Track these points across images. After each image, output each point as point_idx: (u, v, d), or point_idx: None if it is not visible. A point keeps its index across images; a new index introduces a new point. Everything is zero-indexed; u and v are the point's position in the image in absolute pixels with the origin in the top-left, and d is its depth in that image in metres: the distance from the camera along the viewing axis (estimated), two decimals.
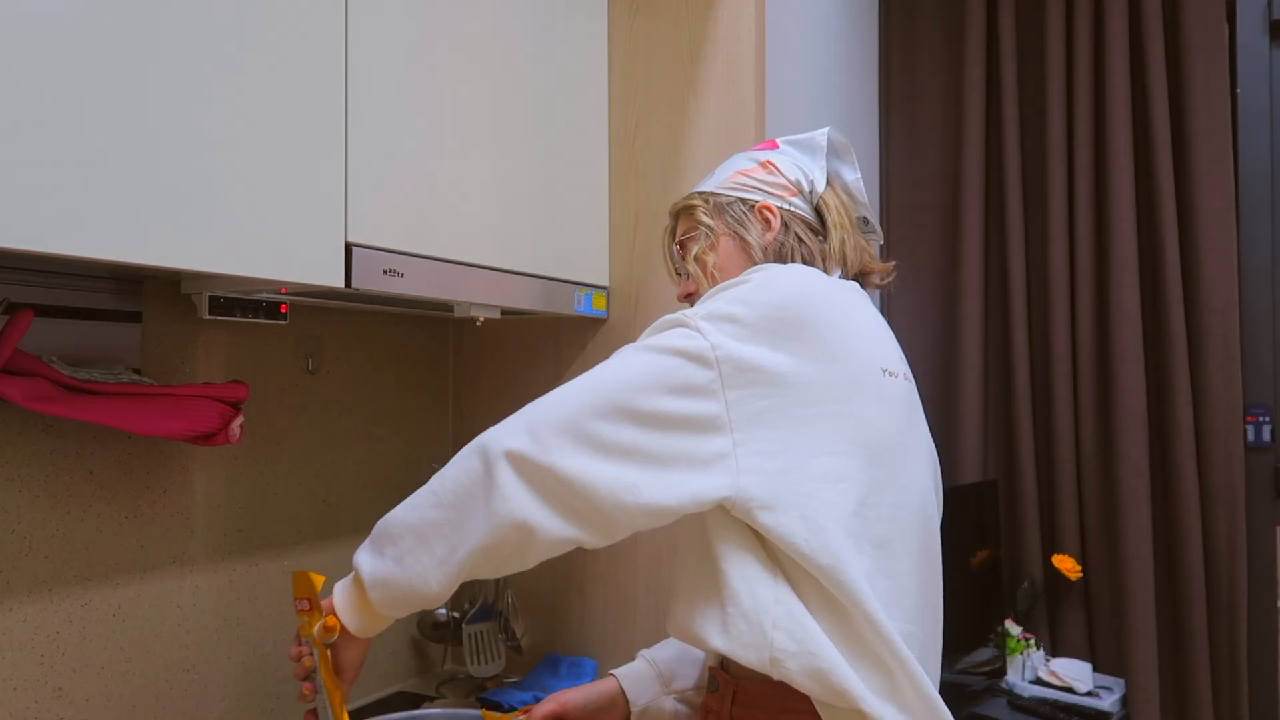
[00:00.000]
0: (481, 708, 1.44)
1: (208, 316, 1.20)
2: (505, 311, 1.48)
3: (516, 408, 0.93)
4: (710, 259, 1.13)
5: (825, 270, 1.12)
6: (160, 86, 0.90)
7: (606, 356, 0.96)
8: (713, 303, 0.95)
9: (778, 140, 1.23)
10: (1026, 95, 2.23)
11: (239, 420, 1.21)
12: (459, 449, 0.93)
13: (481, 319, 1.44)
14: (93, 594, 1.20)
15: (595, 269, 1.60)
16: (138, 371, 1.22)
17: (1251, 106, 2.09)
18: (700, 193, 1.18)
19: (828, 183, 1.17)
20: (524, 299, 1.42)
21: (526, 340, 1.72)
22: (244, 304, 1.25)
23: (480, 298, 1.33)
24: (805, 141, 1.19)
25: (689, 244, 1.16)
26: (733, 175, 1.17)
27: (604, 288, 1.62)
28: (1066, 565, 2.07)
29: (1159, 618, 2.03)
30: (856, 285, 1.07)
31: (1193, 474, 1.99)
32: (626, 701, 1.16)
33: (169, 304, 1.28)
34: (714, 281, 1.11)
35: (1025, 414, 2.17)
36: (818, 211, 1.15)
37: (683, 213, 1.19)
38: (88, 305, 1.16)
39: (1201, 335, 2.01)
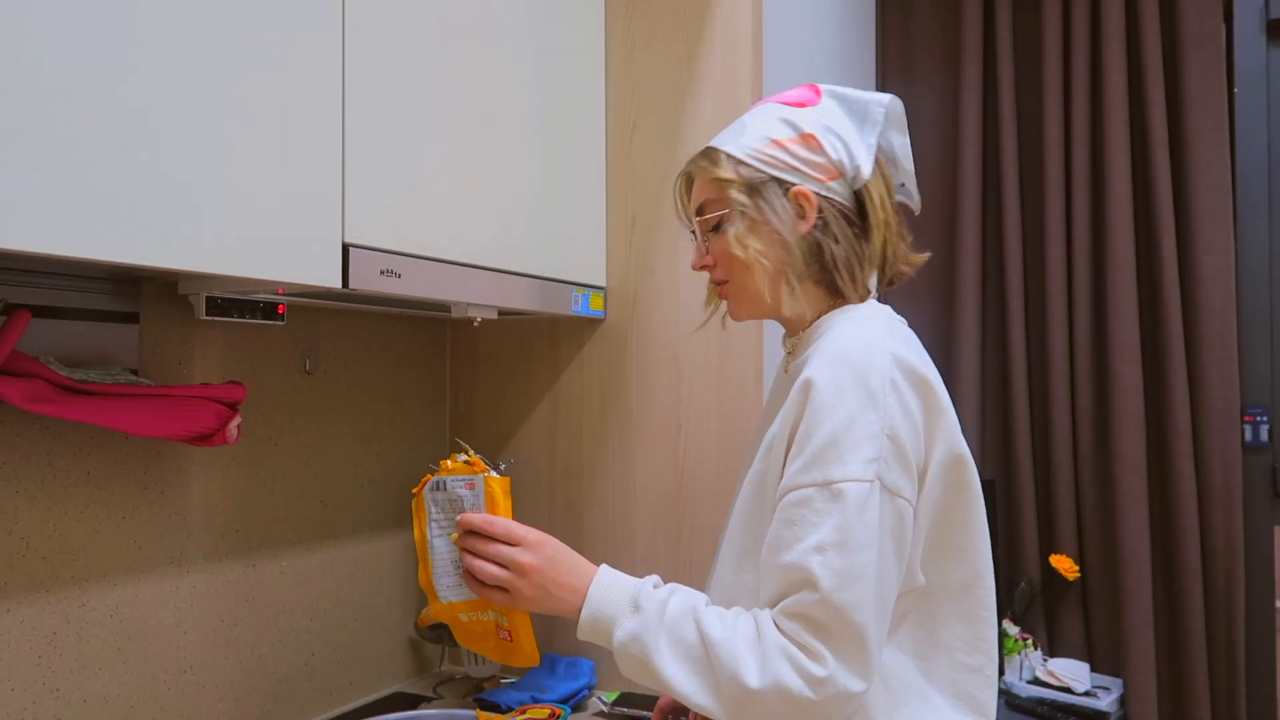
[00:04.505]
0: (477, 708, 1.44)
1: (205, 317, 1.21)
2: (502, 312, 1.48)
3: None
4: (754, 245, 0.99)
5: (860, 278, 1.02)
6: (158, 87, 0.90)
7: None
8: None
9: (820, 89, 1.04)
10: (1023, 94, 2.23)
11: (236, 421, 1.21)
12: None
13: (479, 319, 1.44)
14: (90, 595, 1.20)
15: (592, 269, 1.60)
16: (135, 372, 1.22)
17: (1249, 106, 2.09)
18: (729, 156, 1.02)
19: (875, 162, 1.01)
20: (521, 299, 1.42)
21: (523, 341, 1.72)
22: (241, 305, 1.25)
23: (477, 298, 1.33)
24: (857, 104, 1.02)
25: (722, 222, 1.02)
26: (765, 146, 1.00)
27: (601, 288, 1.62)
28: (1064, 565, 2.07)
29: (1156, 617, 2.03)
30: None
31: (1190, 473, 1.99)
32: None
33: (166, 305, 1.28)
34: (755, 272, 0.99)
35: (1022, 414, 2.17)
36: (857, 198, 1.01)
37: (709, 181, 1.03)
38: (85, 306, 1.16)
39: (1199, 335, 2.01)
